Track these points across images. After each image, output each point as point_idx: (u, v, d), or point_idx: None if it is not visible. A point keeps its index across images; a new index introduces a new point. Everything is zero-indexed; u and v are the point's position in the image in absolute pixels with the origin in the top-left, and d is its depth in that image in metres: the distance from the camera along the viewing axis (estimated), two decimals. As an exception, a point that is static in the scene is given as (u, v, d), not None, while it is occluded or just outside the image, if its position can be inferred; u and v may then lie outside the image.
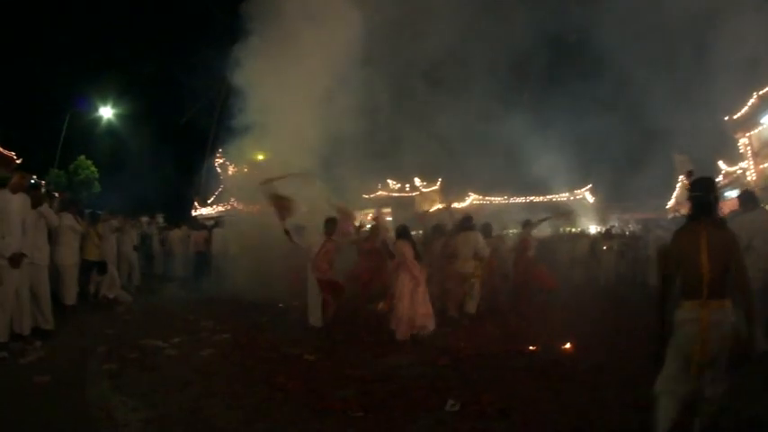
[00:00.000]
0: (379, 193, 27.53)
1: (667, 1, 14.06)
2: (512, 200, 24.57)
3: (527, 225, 9.25)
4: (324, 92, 11.54)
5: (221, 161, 20.07)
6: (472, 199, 26.65)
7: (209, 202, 23.86)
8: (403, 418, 3.66)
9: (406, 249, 6.34)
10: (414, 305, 6.15)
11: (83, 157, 24.18)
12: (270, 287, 9.40)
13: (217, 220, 14.93)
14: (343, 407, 3.83)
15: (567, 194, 26.04)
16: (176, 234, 13.93)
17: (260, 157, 19.07)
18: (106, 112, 23.27)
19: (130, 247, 10.35)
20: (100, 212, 9.58)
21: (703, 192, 2.99)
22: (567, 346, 5.56)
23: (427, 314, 6.23)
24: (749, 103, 15.34)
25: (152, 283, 11.60)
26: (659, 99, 18.06)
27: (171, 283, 11.77)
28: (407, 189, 28.47)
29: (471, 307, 7.56)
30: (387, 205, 25.21)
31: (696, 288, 2.79)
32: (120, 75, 26.74)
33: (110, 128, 23.82)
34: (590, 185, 26.60)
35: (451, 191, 27.34)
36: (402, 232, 6.59)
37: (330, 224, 6.89)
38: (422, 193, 28.13)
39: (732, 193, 17.89)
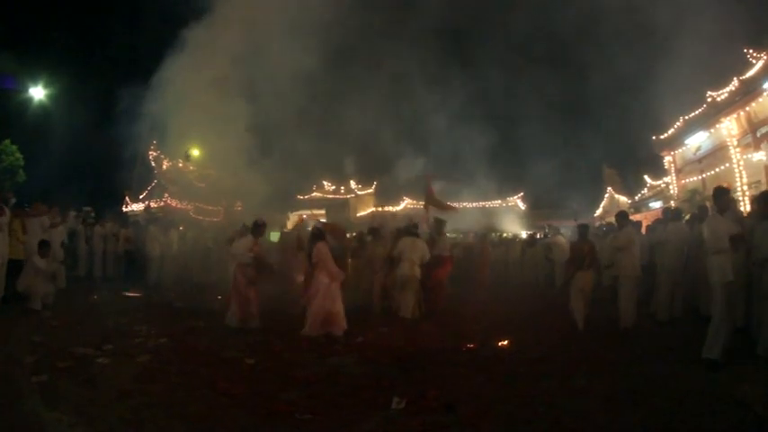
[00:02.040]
0: (314, 194, 27.39)
1: (609, 25, 15.32)
2: (445, 204, 25.15)
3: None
4: (259, 89, 11.45)
5: (155, 154, 19.11)
6: (406, 203, 26.94)
7: (140, 197, 22.56)
8: (352, 418, 3.72)
9: (324, 250, 6.70)
10: (326, 304, 6.50)
11: (8, 141, 21.79)
12: (204, 289, 9.15)
13: (151, 217, 14.27)
14: (291, 409, 3.85)
15: (500, 201, 27.18)
16: (103, 230, 13.04)
17: (195, 152, 18.41)
18: (37, 93, 20.07)
19: (58, 244, 9.50)
20: (27, 206, 8.79)
21: (585, 229, 7.64)
22: (505, 342, 5.97)
23: (339, 314, 6.59)
24: (675, 126, 16.94)
25: (79, 284, 10.86)
26: (594, 117, 19.77)
27: (99, 285, 11.09)
28: (342, 191, 28.46)
29: (415, 307, 7.93)
30: (321, 207, 25.17)
31: (582, 264, 6.94)
32: (55, 53, 24.37)
33: (41, 111, 20.87)
34: (521, 193, 28.01)
35: (386, 194, 27.69)
36: (318, 234, 6.99)
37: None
38: (357, 195, 28.25)
39: (656, 204, 19.77)
